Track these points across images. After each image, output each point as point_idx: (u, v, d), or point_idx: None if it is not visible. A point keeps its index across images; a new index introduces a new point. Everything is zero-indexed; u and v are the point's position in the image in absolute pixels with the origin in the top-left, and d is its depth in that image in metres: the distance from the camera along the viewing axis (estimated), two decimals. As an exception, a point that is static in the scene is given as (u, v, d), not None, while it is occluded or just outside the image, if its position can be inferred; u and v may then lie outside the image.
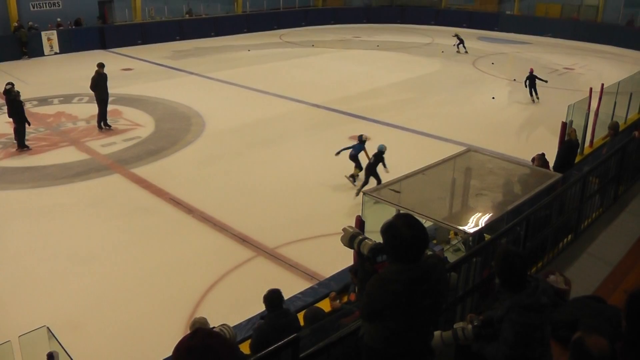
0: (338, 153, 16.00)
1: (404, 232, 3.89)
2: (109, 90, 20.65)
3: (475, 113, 22.47)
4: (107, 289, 11.13)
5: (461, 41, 36.62)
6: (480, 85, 27.80)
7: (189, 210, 14.39)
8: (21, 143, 18.50)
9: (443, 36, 43.10)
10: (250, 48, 37.97)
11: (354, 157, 15.95)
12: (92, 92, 20.64)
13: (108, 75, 20.51)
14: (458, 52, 36.58)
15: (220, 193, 15.54)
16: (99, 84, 20.24)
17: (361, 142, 16.05)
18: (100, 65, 20.48)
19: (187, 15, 43.73)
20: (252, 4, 46.65)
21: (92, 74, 20.31)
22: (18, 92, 18.33)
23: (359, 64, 33.35)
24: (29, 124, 18.71)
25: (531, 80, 25.01)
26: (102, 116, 20.51)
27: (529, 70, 25.13)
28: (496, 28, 45.67)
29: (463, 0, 50.98)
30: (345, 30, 44.88)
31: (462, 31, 43.54)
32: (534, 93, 24.85)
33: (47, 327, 6.54)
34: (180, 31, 40.91)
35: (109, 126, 20.66)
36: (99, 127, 20.56)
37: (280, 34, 44.31)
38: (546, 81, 25.47)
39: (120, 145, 19.04)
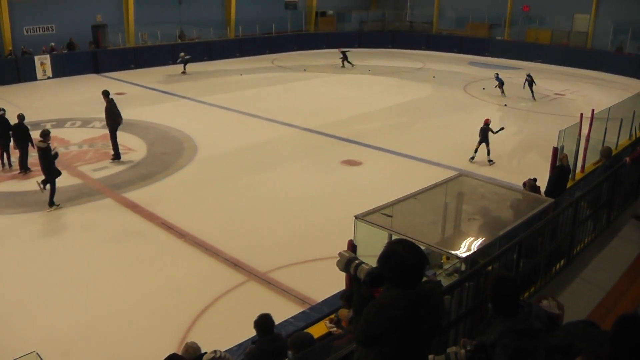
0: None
1: (408, 258, 3.88)
2: (96, 115, 20.51)
3: (467, 138, 22.46)
4: (98, 314, 11.07)
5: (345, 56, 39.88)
6: (471, 110, 27.86)
7: (180, 234, 14.36)
8: (24, 165, 18.56)
9: (434, 61, 43.42)
10: (243, 72, 38.14)
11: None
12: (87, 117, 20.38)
13: (101, 100, 20.37)
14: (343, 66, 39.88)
15: (212, 217, 15.52)
16: (106, 111, 20.08)
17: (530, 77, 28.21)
18: (103, 94, 20.32)
19: (180, 39, 43.89)
20: (245, 28, 46.85)
21: (85, 97, 20.19)
22: (23, 116, 18.46)
23: (350, 88, 33.52)
24: (34, 147, 18.73)
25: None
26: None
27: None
28: (487, 53, 45.97)
29: (454, 26, 51.38)
30: (337, 55, 45.07)
31: (453, 56, 43.97)
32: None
33: (37, 353, 6.52)
34: (173, 55, 40.97)
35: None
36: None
37: (273, 59, 44.48)
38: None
39: (112, 169, 19.01)
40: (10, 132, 18.65)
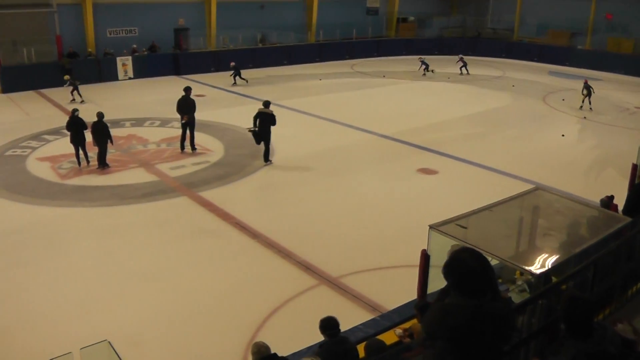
0: None
1: (472, 264, 3.91)
2: (175, 116, 21.46)
3: (544, 150, 22.14)
4: (169, 308, 11.34)
5: (427, 65, 39.87)
6: (549, 121, 27.40)
7: (253, 235, 14.54)
8: (103, 161, 19.14)
9: (514, 69, 42.82)
10: (322, 77, 38.32)
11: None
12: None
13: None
14: (424, 74, 39.84)
15: (285, 220, 15.64)
16: (182, 107, 20.80)
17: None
18: (185, 89, 21.10)
19: (261, 43, 44.44)
20: (325, 33, 47.07)
21: (164, 98, 20.76)
22: (102, 114, 18.97)
23: (428, 96, 33.39)
24: (112, 143, 19.45)
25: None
26: (183, 139, 21.18)
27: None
28: (567, 63, 44.74)
29: (535, 33, 50.48)
30: (417, 61, 44.70)
31: (533, 65, 43.28)
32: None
33: (109, 342, 6.69)
34: (253, 59, 41.44)
35: (195, 148, 21.34)
36: (182, 148, 21.20)
37: (352, 64, 44.51)
38: None
39: (189, 168, 19.41)
40: (88, 130, 19.15)
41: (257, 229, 14.83)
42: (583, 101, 29.41)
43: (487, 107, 30.22)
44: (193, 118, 20.85)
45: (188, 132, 20.95)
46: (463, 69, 40.62)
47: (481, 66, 44.53)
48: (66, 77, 30.08)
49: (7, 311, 11.23)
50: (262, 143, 19.80)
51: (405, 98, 32.74)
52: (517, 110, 30.23)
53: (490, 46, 50.85)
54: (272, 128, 19.59)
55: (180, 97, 20.93)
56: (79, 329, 10.43)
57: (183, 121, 20.62)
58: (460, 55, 41.30)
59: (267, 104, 19.77)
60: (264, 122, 19.47)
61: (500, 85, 37.15)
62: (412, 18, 54.49)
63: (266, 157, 19.88)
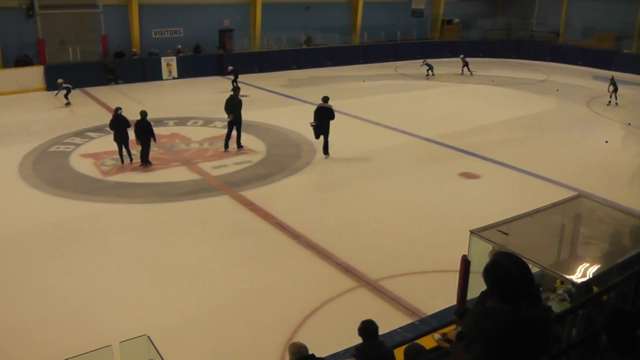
0: None
1: (511, 269, 3.91)
2: (218, 115, 21.79)
3: (587, 156, 21.85)
4: (208, 306, 11.46)
5: (430, 67, 39.64)
6: (593, 127, 27.03)
7: (294, 235, 14.60)
8: (145, 159, 19.43)
9: (559, 73, 42.25)
10: (365, 79, 38.33)
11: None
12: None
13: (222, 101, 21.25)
14: (428, 74, 39.74)
15: (326, 221, 15.68)
16: (229, 106, 21.05)
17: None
18: (233, 89, 21.68)
19: (305, 44, 44.58)
20: (370, 35, 47.04)
21: (207, 98, 21.01)
22: (145, 113, 19.18)
23: (472, 99, 33.13)
24: (155, 141, 19.72)
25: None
26: (228, 137, 21.42)
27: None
28: (613, 67, 42.98)
29: (580, 36, 49.67)
30: (461, 64, 44.54)
31: (577, 69, 42.68)
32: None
33: (148, 336, 6.80)
34: (297, 60, 41.71)
35: (242, 147, 21.61)
36: (226, 146, 21.42)
37: (396, 66, 44.39)
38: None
39: (230, 168, 19.58)
40: (131, 128, 19.47)
41: (298, 229, 14.90)
42: (610, 97, 31.19)
43: (530, 111, 29.87)
44: (240, 117, 21.08)
45: (234, 131, 21.19)
46: (464, 68, 41.06)
47: (525, 69, 44.19)
48: (60, 80, 29.72)
49: (48, 304, 11.49)
50: (322, 137, 20.47)
51: (448, 101, 32.59)
52: (560, 114, 29.86)
53: (534, 49, 50.20)
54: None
55: (228, 96, 21.27)
56: (118, 323, 10.63)
57: (229, 119, 20.87)
58: (462, 55, 41.70)
59: (326, 99, 20.37)
60: (324, 116, 20.10)
61: (544, 89, 36.71)
62: (457, 20, 54.25)
63: (325, 150, 20.59)
